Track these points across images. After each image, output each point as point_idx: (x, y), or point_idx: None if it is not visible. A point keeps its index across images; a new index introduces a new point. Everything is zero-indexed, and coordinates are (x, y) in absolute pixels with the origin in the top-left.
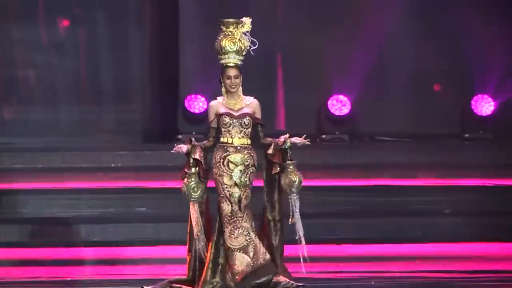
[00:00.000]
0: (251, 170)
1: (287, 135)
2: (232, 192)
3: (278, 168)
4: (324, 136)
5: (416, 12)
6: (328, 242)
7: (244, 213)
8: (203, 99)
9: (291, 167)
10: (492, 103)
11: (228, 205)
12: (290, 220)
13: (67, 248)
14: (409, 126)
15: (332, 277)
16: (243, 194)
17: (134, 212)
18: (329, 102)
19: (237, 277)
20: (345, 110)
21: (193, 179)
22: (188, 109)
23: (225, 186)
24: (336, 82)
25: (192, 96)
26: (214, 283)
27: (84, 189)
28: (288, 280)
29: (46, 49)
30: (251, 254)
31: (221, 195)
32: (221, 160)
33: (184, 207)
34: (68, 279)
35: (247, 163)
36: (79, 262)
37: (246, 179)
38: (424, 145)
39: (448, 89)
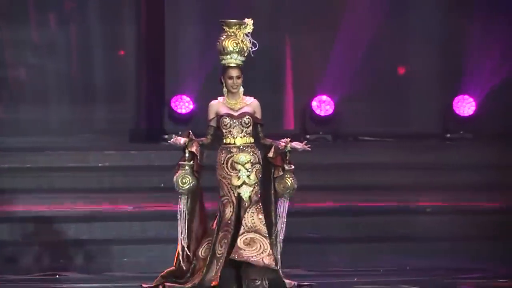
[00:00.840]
0: (256, 167)
1: (288, 139)
2: (242, 193)
3: (281, 172)
4: (308, 136)
5: (399, 12)
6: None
7: (252, 207)
8: (188, 99)
9: (288, 172)
10: (473, 104)
11: (231, 211)
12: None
13: (56, 246)
14: (391, 126)
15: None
16: (253, 191)
17: (121, 210)
18: (313, 103)
19: (214, 277)
20: (329, 110)
21: (184, 171)
22: (174, 109)
23: (233, 187)
24: (319, 82)
25: (178, 96)
26: (211, 279)
27: (71, 187)
28: (289, 281)
29: (36, 48)
30: (219, 266)
31: (227, 198)
32: (225, 162)
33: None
34: (57, 276)
35: (252, 161)
36: (69, 259)
37: (254, 177)
38: (406, 144)
39: (430, 90)
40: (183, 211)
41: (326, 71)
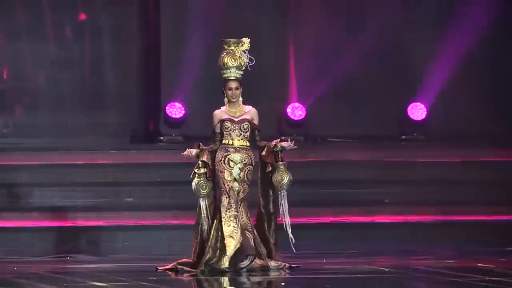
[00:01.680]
0: (248, 168)
1: (278, 139)
2: (232, 186)
3: (270, 168)
4: (283, 137)
5: (358, 25)
6: None
7: (240, 205)
8: (180, 106)
9: (282, 167)
10: (424, 110)
11: (227, 198)
12: (280, 214)
13: (66, 231)
14: (355, 128)
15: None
16: (241, 188)
17: (123, 202)
18: (288, 109)
19: (224, 260)
20: (301, 115)
21: (202, 178)
22: (169, 114)
23: (226, 181)
24: (293, 90)
25: (172, 103)
26: (213, 262)
27: (80, 182)
28: (280, 262)
29: (52, 62)
30: (236, 239)
31: (222, 189)
32: (222, 159)
33: (167, 198)
34: (68, 257)
35: (245, 162)
36: (77, 243)
37: (244, 176)
38: (367, 144)
39: (388, 97)
40: (204, 213)
41: (298, 81)
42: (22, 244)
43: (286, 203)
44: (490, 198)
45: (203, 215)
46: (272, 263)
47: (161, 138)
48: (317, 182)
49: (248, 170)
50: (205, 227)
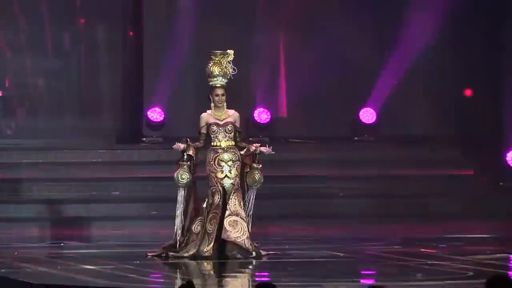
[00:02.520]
0: (237, 164)
1: (259, 144)
2: (224, 184)
3: (249, 168)
4: (250, 138)
5: (317, 39)
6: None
7: (233, 194)
8: (160, 110)
9: (256, 169)
10: (374, 114)
11: (219, 198)
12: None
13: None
14: (313, 131)
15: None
16: (234, 181)
17: (110, 195)
18: (254, 113)
19: (208, 251)
20: (267, 119)
21: (183, 169)
22: (150, 118)
23: (218, 179)
24: (259, 95)
25: (153, 108)
26: (202, 251)
27: (73, 178)
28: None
29: (48, 72)
30: (210, 241)
31: (215, 188)
32: (213, 160)
33: (149, 191)
34: (62, 244)
35: (233, 159)
36: (71, 231)
37: (234, 171)
38: (324, 145)
39: (342, 103)
40: (181, 200)
41: (263, 88)
42: (22, 232)
43: (253, 200)
44: (432, 190)
45: (178, 202)
46: (253, 252)
47: (144, 139)
48: (281, 177)
49: (237, 166)
50: (181, 214)
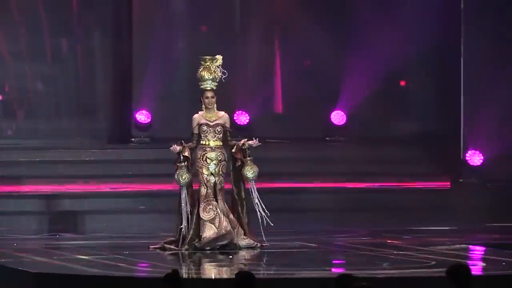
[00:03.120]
0: (223, 164)
1: (246, 139)
2: (209, 180)
3: (240, 162)
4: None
5: (292, 45)
6: None
7: (219, 194)
8: (147, 112)
9: (249, 161)
10: (344, 116)
11: (205, 188)
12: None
13: (57, 214)
14: (288, 131)
15: None
16: (218, 181)
17: (102, 190)
18: (234, 115)
19: (203, 241)
20: (246, 120)
21: (182, 170)
22: (138, 120)
23: (204, 175)
24: (239, 99)
25: (140, 111)
26: (195, 242)
27: (68, 175)
28: (253, 241)
29: (44, 78)
30: (217, 225)
31: (201, 182)
32: (201, 157)
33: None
34: (57, 236)
35: (220, 159)
36: (65, 224)
37: (219, 170)
38: (298, 145)
39: (314, 105)
40: (185, 198)
41: (243, 92)
42: (21, 225)
43: (256, 190)
44: (397, 186)
45: (183, 202)
46: (244, 242)
47: (132, 139)
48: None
49: (223, 165)
50: (184, 211)
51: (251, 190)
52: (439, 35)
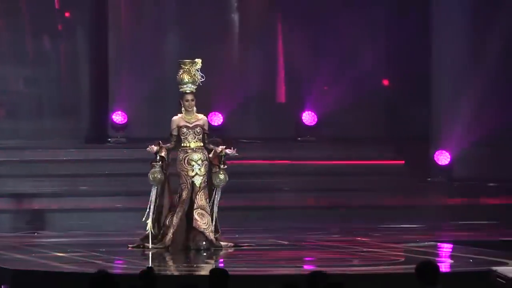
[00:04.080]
0: (205, 163)
1: (224, 146)
2: (195, 181)
3: (217, 169)
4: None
5: (260, 49)
6: None
7: (201, 191)
8: (123, 113)
9: (222, 170)
10: (315, 117)
11: (186, 194)
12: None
13: (35, 213)
14: (260, 132)
15: None
16: (202, 180)
17: (79, 189)
18: (209, 117)
19: (171, 242)
20: (219, 121)
21: (155, 169)
22: (114, 121)
23: (188, 177)
24: (213, 100)
25: (117, 112)
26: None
27: (46, 174)
28: (227, 242)
29: (23, 80)
30: (185, 231)
31: (184, 184)
32: (183, 160)
33: (113, 186)
34: (35, 233)
35: (202, 159)
36: (43, 222)
37: (203, 170)
38: (271, 145)
39: (286, 107)
40: (154, 197)
41: (217, 94)
42: (0, 222)
43: (219, 197)
44: (367, 185)
45: (151, 199)
46: (222, 243)
47: (109, 139)
48: (233, 174)
49: (205, 165)
50: (151, 208)
51: (215, 197)
52: (409, 36)
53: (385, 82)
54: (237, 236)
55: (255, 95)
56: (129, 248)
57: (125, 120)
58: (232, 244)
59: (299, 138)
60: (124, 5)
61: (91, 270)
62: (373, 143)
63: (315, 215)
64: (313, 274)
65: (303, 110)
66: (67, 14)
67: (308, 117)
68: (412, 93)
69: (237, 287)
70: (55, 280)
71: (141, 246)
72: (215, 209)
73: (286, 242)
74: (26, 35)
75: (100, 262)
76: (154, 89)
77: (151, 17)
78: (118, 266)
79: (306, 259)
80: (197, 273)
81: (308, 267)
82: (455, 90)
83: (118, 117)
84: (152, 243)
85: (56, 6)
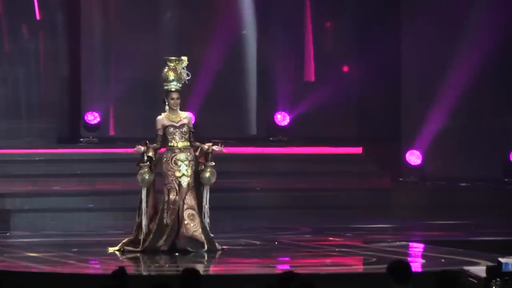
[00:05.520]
0: (192, 163)
1: (211, 144)
2: (181, 181)
3: (203, 166)
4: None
5: (241, 51)
6: None
7: (188, 192)
8: (97, 114)
9: (209, 167)
10: (288, 117)
11: (174, 195)
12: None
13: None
14: (233, 132)
15: None
16: (190, 180)
17: (51, 189)
18: None
19: (160, 244)
20: (192, 120)
21: (145, 170)
22: (87, 121)
23: (175, 177)
24: (187, 100)
25: (90, 112)
26: (152, 243)
27: (18, 174)
28: (216, 244)
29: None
30: (175, 234)
31: (170, 185)
32: (170, 160)
33: (85, 186)
34: (8, 233)
35: (189, 159)
36: (16, 222)
37: (190, 170)
38: (244, 144)
39: (259, 107)
40: (144, 198)
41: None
42: None
43: (208, 195)
44: (339, 185)
45: (143, 201)
46: (213, 246)
47: (81, 139)
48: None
49: (192, 165)
50: (144, 211)
51: (205, 195)
52: (380, 35)
53: (345, 69)
54: (212, 235)
55: (227, 95)
56: (110, 251)
57: (98, 120)
58: (226, 247)
59: (271, 138)
60: (96, 5)
61: (63, 270)
62: (346, 143)
63: (287, 215)
64: (286, 274)
65: (275, 111)
66: (39, 14)
67: (281, 117)
68: (384, 92)
69: (210, 287)
70: (27, 280)
71: (121, 250)
72: (207, 209)
73: (258, 242)
74: None
75: (72, 262)
76: (127, 89)
77: (123, 17)
78: (90, 266)
79: (279, 259)
80: (169, 273)
81: (280, 267)
82: (428, 89)
83: (91, 118)
84: (133, 247)
85: (28, 6)
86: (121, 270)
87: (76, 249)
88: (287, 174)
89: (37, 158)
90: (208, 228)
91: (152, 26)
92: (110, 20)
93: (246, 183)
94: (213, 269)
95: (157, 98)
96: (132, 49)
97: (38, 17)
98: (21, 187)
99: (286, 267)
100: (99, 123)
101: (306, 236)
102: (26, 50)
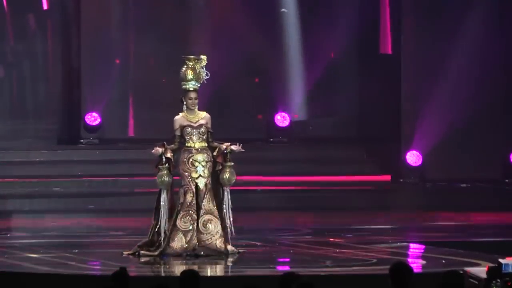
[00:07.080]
0: (209, 164)
1: (229, 143)
2: (198, 183)
3: (220, 166)
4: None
5: (235, 50)
6: None
7: (207, 194)
8: (96, 115)
9: (228, 167)
10: (288, 118)
11: (191, 196)
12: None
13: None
14: (233, 133)
15: None
16: (207, 181)
17: (51, 190)
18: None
19: (169, 250)
20: None
21: (164, 172)
22: (87, 122)
23: (192, 178)
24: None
25: (90, 113)
26: (164, 247)
27: (18, 175)
28: (233, 248)
29: None
30: (187, 239)
31: (187, 186)
32: (187, 160)
33: (85, 188)
34: (8, 234)
35: (206, 160)
36: (16, 223)
37: (207, 171)
38: (244, 146)
39: (260, 108)
40: (164, 200)
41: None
42: None
43: (229, 196)
44: (339, 185)
45: (162, 204)
46: (229, 248)
47: (82, 141)
48: None
49: (209, 166)
50: (162, 213)
51: (226, 196)
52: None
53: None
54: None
55: (225, 98)
56: (124, 255)
57: (98, 121)
58: (236, 250)
59: (271, 139)
60: (96, 6)
61: (64, 271)
62: (346, 144)
63: (288, 216)
64: (286, 275)
65: (276, 112)
66: (38, 15)
67: (281, 119)
68: (384, 93)
69: None
70: (27, 281)
71: (137, 254)
72: (229, 210)
73: (259, 243)
74: None
75: (73, 263)
76: (128, 90)
77: (123, 19)
78: (91, 267)
79: (279, 260)
80: (168, 274)
81: (281, 268)
82: (428, 90)
83: (91, 119)
84: (149, 251)
85: (26, 7)
86: (122, 271)
87: (76, 250)
88: (288, 175)
89: (37, 159)
90: (229, 230)
91: (153, 27)
92: (111, 20)
93: (247, 184)
94: (212, 270)
95: (157, 99)
96: (134, 50)
97: (38, 15)
98: (22, 188)
99: (287, 268)
100: (99, 124)
101: (306, 237)
102: (26, 51)
